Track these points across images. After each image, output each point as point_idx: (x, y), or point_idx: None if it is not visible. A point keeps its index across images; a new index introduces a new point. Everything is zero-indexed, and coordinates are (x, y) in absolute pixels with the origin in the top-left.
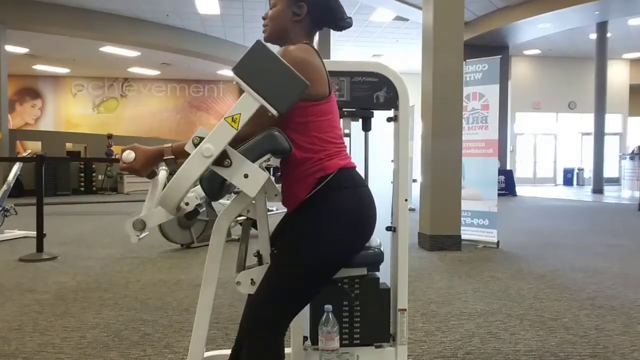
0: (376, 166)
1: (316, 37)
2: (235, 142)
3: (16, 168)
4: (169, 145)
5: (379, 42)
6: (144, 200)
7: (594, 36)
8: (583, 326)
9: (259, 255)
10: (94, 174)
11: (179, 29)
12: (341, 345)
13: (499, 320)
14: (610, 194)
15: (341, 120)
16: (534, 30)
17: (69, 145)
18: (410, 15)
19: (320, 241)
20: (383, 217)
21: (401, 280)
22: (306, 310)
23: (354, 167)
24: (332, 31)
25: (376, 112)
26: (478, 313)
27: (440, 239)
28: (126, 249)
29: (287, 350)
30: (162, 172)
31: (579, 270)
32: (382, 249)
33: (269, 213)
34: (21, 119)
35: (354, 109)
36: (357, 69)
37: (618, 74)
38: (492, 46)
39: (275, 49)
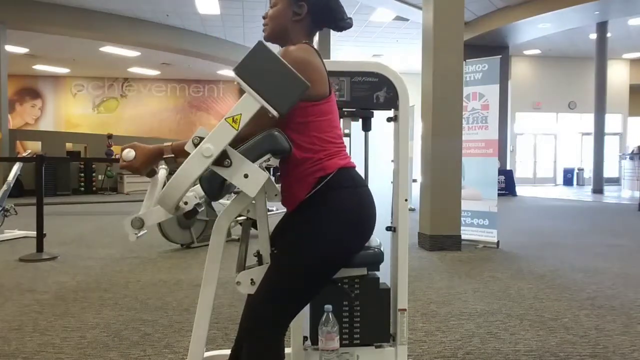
0: (376, 166)
1: (316, 37)
2: (235, 142)
3: (16, 168)
4: (169, 144)
5: (379, 42)
6: (143, 200)
7: (594, 36)
8: (583, 326)
9: (259, 255)
10: (94, 174)
11: (179, 29)
12: (341, 345)
13: (499, 320)
14: (610, 194)
15: (341, 120)
16: (534, 30)
17: (69, 145)
18: (410, 15)
19: (320, 241)
20: (383, 217)
21: (401, 280)
22: (306, 310)
23: (354, 167)
24: (332, 31)
25: (376, 112)
26: (478, 313)
27: (440, 239)
28: (126, 249)
29: (287, 350)
30: (162, 170)
31: (579, 270)
32: (382, 249)
33: (269, 213)
34: (21, 119)
35: (354, 109)
36: (357, 69)
37: (618, 74)
38: (492, 46)
39: (275, 48)
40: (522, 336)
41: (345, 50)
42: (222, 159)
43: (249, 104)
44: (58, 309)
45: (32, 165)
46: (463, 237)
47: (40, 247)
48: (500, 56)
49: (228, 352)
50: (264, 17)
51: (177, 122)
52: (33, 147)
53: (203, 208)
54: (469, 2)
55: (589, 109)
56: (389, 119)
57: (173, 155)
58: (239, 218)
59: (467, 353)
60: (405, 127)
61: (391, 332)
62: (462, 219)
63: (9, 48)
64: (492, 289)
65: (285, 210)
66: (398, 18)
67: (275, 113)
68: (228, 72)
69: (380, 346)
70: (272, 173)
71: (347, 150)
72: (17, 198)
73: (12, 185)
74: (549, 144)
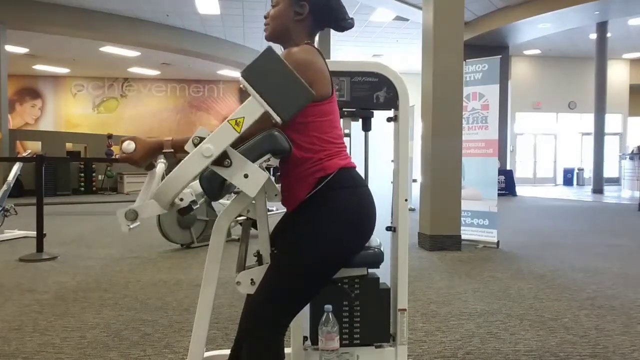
0: (376, 166)
1: (316, 38)
2: (235, 142)
3: (16, 168)
4: (169, 138)
5: (379, 42)
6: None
7: (594, 36)
8: (583, 326)
9: (259, 255)
10: (94, 174)
11: (179, 29)
12: (341, 345)
13: (499, 320)
14: (610, 194)
15: (341, 120)
16: (534, 30)
17: (69, 145)
18: (410, 15)
19: (320, 241)
20: (383, 217)
21: (401, 280)
22: (306, 310)
23: (354, 167)
24: (332, 31)
25: (376, 112)
26: (478, 313)
27: (440, 239)
28: (126, 249)
29: (287, 350)
30: (160, 165)
31: (579, 270)
32: (382, 249)
33: (269, 213)
34: (21, 119)
35: (354, 109)
36: (357, 69)
37: (618, 74)
38: (492, 46)
39: (276, 47)
40: (522, 336)
41: (345, 50)
42: (222, 159)
43: (253, 108)
44: (58, 309)
45: (32, 165)
46: (463, 237)
47: (40, 247)
48: (500, 56)
49: (228, 352)
50: (265, 17)
51: (177, 122)
52: (33, 147)
53: (198, 205)
54: (469, 2)
55: (589, 109)
56: (389, 119)
57: (172, 150)
58: (239, 218)
59: (467, 353)
60: (405, 127)
61: (391, 332)
62: (462, 219)
63: (9, 48)
64: (492, 289)
65: (285, 210)
66: (398, 18)
67: (278, 119)
68: (228, 72)
69: (380, 346)
70: (272, 173)
71: (347, 150)
72: (17, 198)
73: (12, 185)
74: (549, 144)
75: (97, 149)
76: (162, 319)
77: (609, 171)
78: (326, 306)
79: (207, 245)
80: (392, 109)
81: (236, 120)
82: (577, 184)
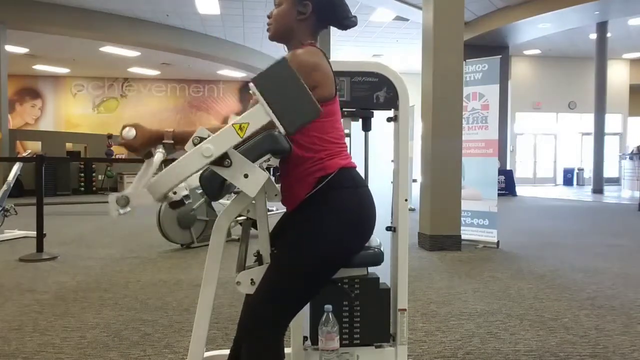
0: (376, 166)
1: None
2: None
3: (16, 168)
4: (171, 129)
5: (379, 42)
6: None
7: (594, 36)
8: (583, 326)
9: (259, 255)
10: (94, 174)
11: (179, 29)
12: (341, 345)
13: (499, 320)
14: (610, 194)
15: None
16: (534, 30)
17: (69, 145)
18: (410, 15)
19: (321, 241)
20: (383, 217)
21: (401, 280)
22: (306, 310)
23: (355, 167)
24: (332, 31)
25: (376, 112)
26: (478, 313)
27: (440, 239)
28: (126, 249)
29: (287, 350)
30: (158, 154)
31: (579, 270)
32: (382, 249)
33: (269, 213)
34: (21, 119)
35: (354, 109)
36: (357, 69)
37: (618, 74)
38: (492, 46)
39: (278, 47)
40: (522, 336)
41: (345, 50)
42: (222, 159)
43: (259, 116)
44: (58, 309)
45: (32, 165)
46: (463, 237)
47: (40, 247)
48: (500, 56)
49: (228, 352)
50: (268, 17)
51: (177, 122)
52: (33, 147)
53: (190, 200)
54: (469, 2)
55: (589, 109)
56: (389, 119)
57: (173, 142)
58: (239, 218)
59: (467, 353)
60: (405, 127)
61: (391, 332)
62: (462, 219)
63: (9, 48)
64: (492, 289)
65: (285, 209)
66: (398, 18)
67: (283, 131)
68: (228, 72)
69: (380, 346)
70: (272, 173)
71: (348, 150)
72: (17, 198)
73: (12, 185)
74: (549, 144)
75: (97, 149)
76: (162, 319)
77: (609, 171)
78: (326, 306)
79: (207, 245)
80: (392, 109)
81: (240, 125)
82: (577, 184)
